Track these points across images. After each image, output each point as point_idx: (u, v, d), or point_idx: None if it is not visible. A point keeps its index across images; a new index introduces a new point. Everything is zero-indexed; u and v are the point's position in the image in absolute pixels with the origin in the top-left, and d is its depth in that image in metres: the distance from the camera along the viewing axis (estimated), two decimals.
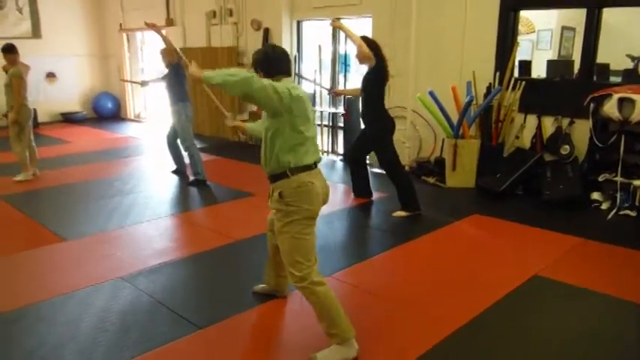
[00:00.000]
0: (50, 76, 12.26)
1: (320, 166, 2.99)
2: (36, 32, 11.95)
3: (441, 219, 5.23)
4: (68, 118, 12.32)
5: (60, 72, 12.36)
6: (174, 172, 7.11)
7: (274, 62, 2.99)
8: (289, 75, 3.03)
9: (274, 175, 2.88)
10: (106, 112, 12.68)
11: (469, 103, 6.09)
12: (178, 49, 5.69)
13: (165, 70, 6.68)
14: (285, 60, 3.04)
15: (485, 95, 6.39)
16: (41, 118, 11.82)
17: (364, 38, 5.14)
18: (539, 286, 3.81)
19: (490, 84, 6.43)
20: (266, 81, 2.69)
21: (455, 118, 6.33)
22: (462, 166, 6.29)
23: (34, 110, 11.30)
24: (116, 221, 5.25)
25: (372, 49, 5.07)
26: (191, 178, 6.75)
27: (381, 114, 5.36)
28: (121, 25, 12.26)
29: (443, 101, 6.32)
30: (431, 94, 6.27)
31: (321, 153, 2.91)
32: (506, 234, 4.90)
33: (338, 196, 6.25)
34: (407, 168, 7.15)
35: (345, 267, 4.10)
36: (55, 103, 12.31)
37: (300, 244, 2.85)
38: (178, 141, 6.80)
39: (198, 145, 8.63)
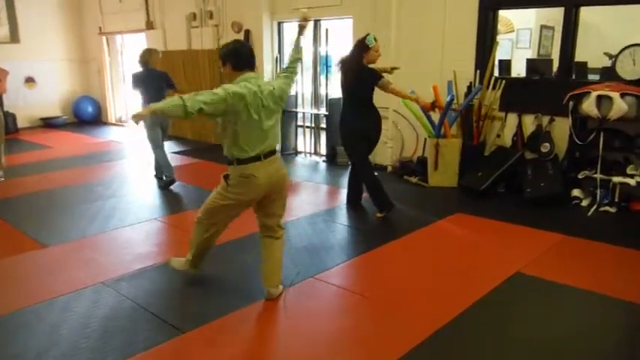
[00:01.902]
0: (29, 80, 12.10)
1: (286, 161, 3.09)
2: (14, 37, 11.79)
3: (424, 218, 5.25)
4: (48, 123, 12.17)
5: (39, 76, 12.20)
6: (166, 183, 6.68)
7: (242, 57, 3.33)
8: (253, 70, 3.36)
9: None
10: (86, 116, 12.55)
11: (450, 103, 6.12)
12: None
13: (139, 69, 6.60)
14: (251, 56, 3.38)
15: (466, 94, 6.43)
16: (21, 124, 11.67)
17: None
18: (521, 282, 3.84)
19: (471, 83, 6.48)
20: (201, 97, 3.05)
21: (436, 117, 6.36)
22: (444, 166, 6.32)
23: (14, 115, 11.26)
24: (98, 226, 5.19)
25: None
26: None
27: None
28: (100, 28, 12.15)
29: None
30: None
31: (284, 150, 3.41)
32: (489, 232, 4.93)
33: (321, 197, 6.26)
34: (389, 168, 7.18)
35: (329, 268, 4.10)
36: (35, 108, 12.15)
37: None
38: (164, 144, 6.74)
39: (182, 148, 8.58)
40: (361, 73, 5.19)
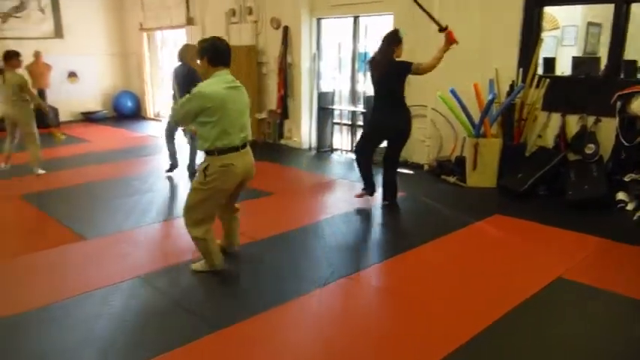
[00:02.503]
0: (72, 75, 12.38)
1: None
2: (58, 32, 12.06)
3: (462, 219, 5.14)
4: (89, 117, 12.43)
5: (81, 71, 12.47)
6: (170, 169, 7.11)
7: (219, 53, 3.62)
8: (228, 66, 3.67)
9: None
10: (126, 110, 12.76)
11: (491, 102, 5.98)
12: None
13: (177, 64, 6.77)
14: (227, 53, 3.66)
15: (508, 93, 6.27)
16: (63, 117, 11.93)
17: (388, 32, 5.36)
18: (563, 288, 3.71)
19: (513, 81, 6.31)
20: (184, 107, 3.59)
21: (476, 116, 6.22)
22: (483, 166, 6.18)
23: (56, 109, 11.52)
24: (134, 220, 5.24)
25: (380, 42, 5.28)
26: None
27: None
28: (141, 24, 12.32)
29: (464, 99, 6.22)
30: (452, 92, 6.18)
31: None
32: (529, 235, 4.79)
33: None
34: (426, 167, 7.07)
35: (365, 267, 4.04)
36: (77, 103, 12.43)
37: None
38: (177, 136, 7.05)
39: None
40: (392, 65, 5.23)
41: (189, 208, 3.79)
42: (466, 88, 6.30)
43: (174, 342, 3.02)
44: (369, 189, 5.70)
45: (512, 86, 6.31)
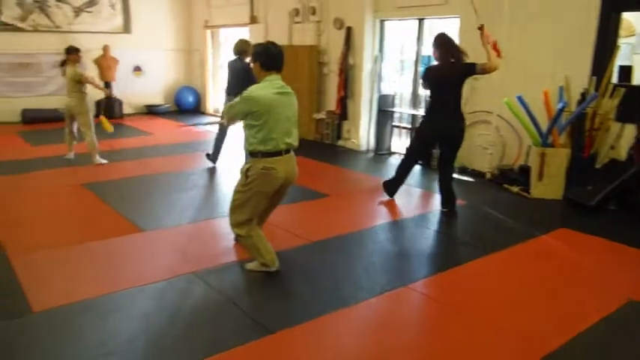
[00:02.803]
0: (137, 69, 12.69)
1: None
2: (127, 27, 12.40)
3: (525, 231, 4.92)
4: (151, 110, 12.71)
5: (146, 66, 12.77)
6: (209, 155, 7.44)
7: (272, 58, 3.64)
8: (279, 72, 3.70)
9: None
10: (187, 105, 12.98)
11: (561, 110, 5.71)
12: None
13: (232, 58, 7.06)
14: (280, 58, 3.67)
15: (579, 102, 5.98)
16: (126, 110, 12.25)
17: (435, 37, 5.29)
18: (635, 312, 3.47)
19: (585, 90, 6.01)
20: (233, 108, 3.71)
21: (544, 124, 5.97)
22: (549, 176, 5.92)
23: (120, 102, 11.85)
24: (191, 215, 5.29)
25: (437, 46, 5.21)
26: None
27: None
28: (206, 21, 12.51)
29: (532, 107, 5.97)
30: (520, 99, 5.95)
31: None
32: (598, 252, 4.53)
33: (414, 201, 6.05)
34: (488, 175, 6.84)
35: (423, 277, 3.90)
36: (140, 96, 12.73)
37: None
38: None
39: None
40: (458, 69, 5.19)
41: (232, 210, 3.87)
42: (534, 95, 6.05)
43: (229, 342, 2.99)
44: (392, 191, 5.84)
45: (583, 95, 6.01)
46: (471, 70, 5.13)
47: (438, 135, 5.41)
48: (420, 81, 5.48)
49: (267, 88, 3.63)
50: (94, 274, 3.90)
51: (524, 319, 3.36)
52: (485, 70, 5.11)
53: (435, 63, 5.32)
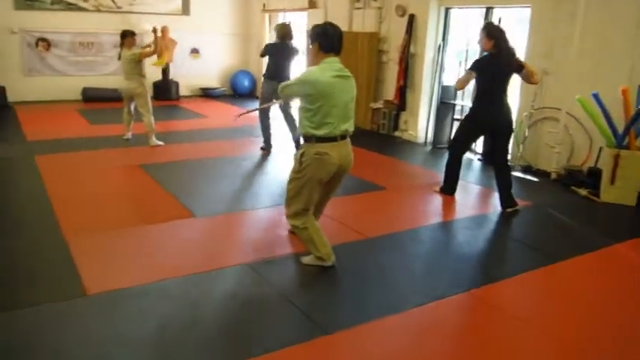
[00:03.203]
0: (194, 52, 12.73)
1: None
2: (185, 9, 12.43)
3: (595, 239, 4.60)
4: (207, 93, 12.75)
5: (203, 49, 12.79)
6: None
7: (331, 39, 3.49)
8: (338, 54, 3.54)
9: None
10: (242, 89, 12.95)
11: None
12: None
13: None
14: (339, 40, 3.53)
15: None
16: (182, 92, 12.32)
17: (486, 25, 5.29)
18: None
19: None
20: (288, 89, 3.63)
21: (620, 125, 5.59)
22: (622, 180, 5.54)
23: (177, 83, 11.94)
24: (244, 202, 5.20)
25: (492, 37, 5.06)
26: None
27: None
28: (264, 5, 12.41)
29: (607, 105, 5.59)
30: (595, 96, 5.58)
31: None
32: None
33: (475, 199, 5.79)
34: (554, 175, 6.49)
35: (485, 284, 3.66)
36: (196, 78, 12.77)
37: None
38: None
39: None
40: (514, 64, 5.11)
41: (288, 200, 3.75)
42: (608, 92, 5.67)
43: (283, 341, 2.86)
44: (451, 189, 5.64)
45: None
46: (520, 69, 5.10)
47: (490, 126, 5.34)
48: (468, 71, 5.23)
49: (326, 70, 3.46)
50: (147, 259, 3.85)
51: (600, 340, 3.10)
52: (528, 79, 5.15)
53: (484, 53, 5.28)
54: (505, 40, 5.06)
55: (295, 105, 5.46)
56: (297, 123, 6.81)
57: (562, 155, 6.50)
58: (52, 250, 3.95)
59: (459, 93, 7.96)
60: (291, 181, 3.70)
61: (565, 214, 5.24)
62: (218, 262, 3.81)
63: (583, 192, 5.85)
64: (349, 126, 3.59)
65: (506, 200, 5.24)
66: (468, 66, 5.42)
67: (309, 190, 3.61)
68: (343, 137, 3.56)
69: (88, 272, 3.56)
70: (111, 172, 6.12)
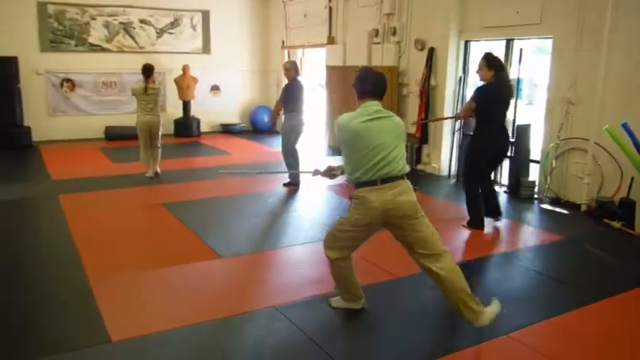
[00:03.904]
0: (215, 89, 12.87)
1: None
2: (206, 48, 12.61)
3: (634, 275, 4.42)
4: (227, 129, 12.82)
5: (223, 85, 12.93)
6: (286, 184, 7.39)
7: (367, 84, 3.45)
8: (376, 98, 3.43)
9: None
10: (262, 125, 13.01)
11: None
12: None
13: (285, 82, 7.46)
14: (375, 84, 3.45)
15: None
16: (203, 128, 12.41)
17: (487, 55, 5.31)
18: None
19: None
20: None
21: None
22: None
23: (198, 120, 12.04)
24: (270, 241, 5.12)
25: (492, 66, 5.20)
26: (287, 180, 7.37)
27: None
28: (283, 42, 12.54)
29: (636, 134, 5.46)
30: (624, 126, 5.45)
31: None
32: None
33: (503, 234, 5.63)
34: (584, 207, 6.32)
35: (523, 326, 3.49)
36: (217, 115, 12.88)
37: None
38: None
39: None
40: (512, 90, 5.51)
41: (330, 232, 3.59)
42: (637, 122, 5.54)
43: None
44: (479, 223, 5.56)
45: None
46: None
47: (493, 155, 5.50)
48: (470, 101, 5.37)
49: (357, 116, 3.36)
50: (172, 303, 3.77)
51: None
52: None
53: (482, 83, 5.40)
54: (504, 70, 5.29)
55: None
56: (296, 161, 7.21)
57: (591, 186, 6.34)
58: (76, 292, 3.91)
59: None
60: (340, 217, 3.57)
61: (600, 248, 5.07)
62: (245, 305, 3.71)
63: (617, 224, 5.68)
64: (392, 169, 3.31)
65: (495, 210, 5.62)
66: (470, 96, 5.59)
67: (351, 234, 3.44)
68: (385, 181, 3.30)
69: (112, 317, 3.50)
70: (133, 211, 6.11)
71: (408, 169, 3.39)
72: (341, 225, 3.47)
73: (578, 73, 6.46)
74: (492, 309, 3.33)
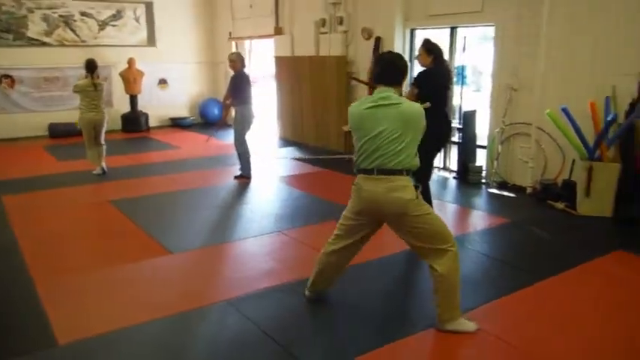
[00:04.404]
0: (162, 82, 12.62)
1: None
2: (151, 40, 12.34)
3: (576, 254, 4.58)
4: (177, 123, 12.61)
5: (171, 78, 12.70)
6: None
7: (375, 70, 3.36)
8: (387, 84, 3.24)
9: None
10: (212, 117, 12.84)
11: (611, 123, 5.39)
12: None
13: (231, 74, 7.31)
14: (380, 69, 3.32)
15: (628, 113, 5.64)
16: (152, 123, 12.17)
17: (426, 42, 5.23)
18: None
19: (633, 100, 5.67)
20: None
21: (590, 137, 5.65)
22: (597, 192, 5.58)
23: (146, 115, 11.81)
24: (221, 235, 5.08)
25: (431, 52, 5.12)
26: (238, 173, 7.32)
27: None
28: (230, 33, 12.39)
29: (576, 118, 5.66)
30: (564, 110, 5.64)
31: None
32: None
33: (452, 219, 5.75)
34: (529, 190, 6.52)
35: (471, 308, 3.56)
36: (165, 108, 12.65)
37: None
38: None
39: (304, 155, 8.45)
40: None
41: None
42: (576, 106, 5.74)
43: None
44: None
45: (632, 105, 5.67)
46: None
47: (444, 138, 5.46)
48: (411, 86, 5.21)
49: (362, 102, 3.26)
50: (121, 303, 3.70)
51: (578, 353, 3.06)
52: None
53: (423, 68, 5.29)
54: (442, 56, 5.23)
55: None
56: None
57: (535, 170, 6.55)
58: (21, 296, 3.79)
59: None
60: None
61: (545, 230, 5.23)
62: (196, 300, 3.67)
63: (560, 205, 5.88)
64: (388, 161, 3.12)
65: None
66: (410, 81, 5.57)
67: (348, 222, 3.39)
68: (381, 172, 3.14)
69: (59, 320, 3.41)
70: (81, 210, 5.94)
71: (411, 164, 3.17)
72: (345, 211, 3.43)
73: (519, 59, 6.63)
74: (470, 324, 3.30)
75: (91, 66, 7.30)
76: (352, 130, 3.30)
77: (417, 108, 3.22)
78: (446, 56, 7.66)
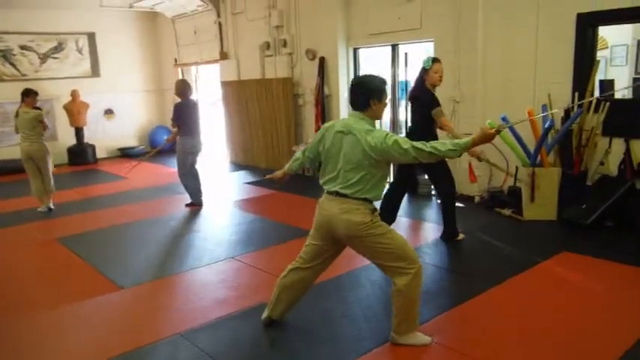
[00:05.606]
0: (108, 112, 12.43)
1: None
2: (95, 71, 12.15)
3: (526, 258, 4.70)
4: (126, 153, 12.39)
5: (117, 108, 12.51)
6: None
7: (351, 95, 3.27)
8: (354, 108, 3.21)
9: None
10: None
11: (548, 129, 5.58)
12: None
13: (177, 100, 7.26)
14: (355, 94, 3.22)
15: (564, 119, 5.86)
16: (99, 154, 11.94)
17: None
18: None
19: (568, 107, 5.89)
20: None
21: (530, 144, 5.83)
22: (541, 197, 5.75)
23: (93, 146, 11.55)
24: (172, 266, 4.98)
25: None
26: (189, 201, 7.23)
27: None
28: (175, 60, 12.32)
29: (516, 126, 5.83)
30: (504, 119, 5.79)
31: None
32: (607, 277, 4.29)
33: (403, 232, 5.80)
34: (477, 198, 6.66)
35: (427, 320, 3.61)
36: (113, 139, 12.44)
37: None
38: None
39: (256, 179, 8.41)
40: (421, 96, 5.19)
41: None
42: (515, 114, 5.91)
43: None
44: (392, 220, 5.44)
45: (567, 112, 5.89)
46: (431, 106, 5.14)
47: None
48: (439, 109, 5.21)
49: (335, 125, 3.26)
50: (70, 343, 3.58)
51: (528, 355, 3.12)
52: (437, 119, 5.18)
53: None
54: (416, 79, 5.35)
55: None
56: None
57: (482, 178, 6.70)
58: None
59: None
60: None
61: (494, 237, 5.36)
62: (148, 336, 3.58)
63: (507, 212, 6.03)
64: (334, 186, 3.17)
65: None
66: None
67: (310, 238, 3.42)
68: (338, 194, 3.16)
69: None
70: (26, 250, 5.74)
71: (368, 194, 3.13)
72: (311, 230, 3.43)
73: (460, 72, 6.82)
74: (424, 338, 3.33)
75: (24, 92, 7.09)
76: (316, 142, 3.32)
77: (378, 136, 3.03)
78: (388, 73, 7.87)
